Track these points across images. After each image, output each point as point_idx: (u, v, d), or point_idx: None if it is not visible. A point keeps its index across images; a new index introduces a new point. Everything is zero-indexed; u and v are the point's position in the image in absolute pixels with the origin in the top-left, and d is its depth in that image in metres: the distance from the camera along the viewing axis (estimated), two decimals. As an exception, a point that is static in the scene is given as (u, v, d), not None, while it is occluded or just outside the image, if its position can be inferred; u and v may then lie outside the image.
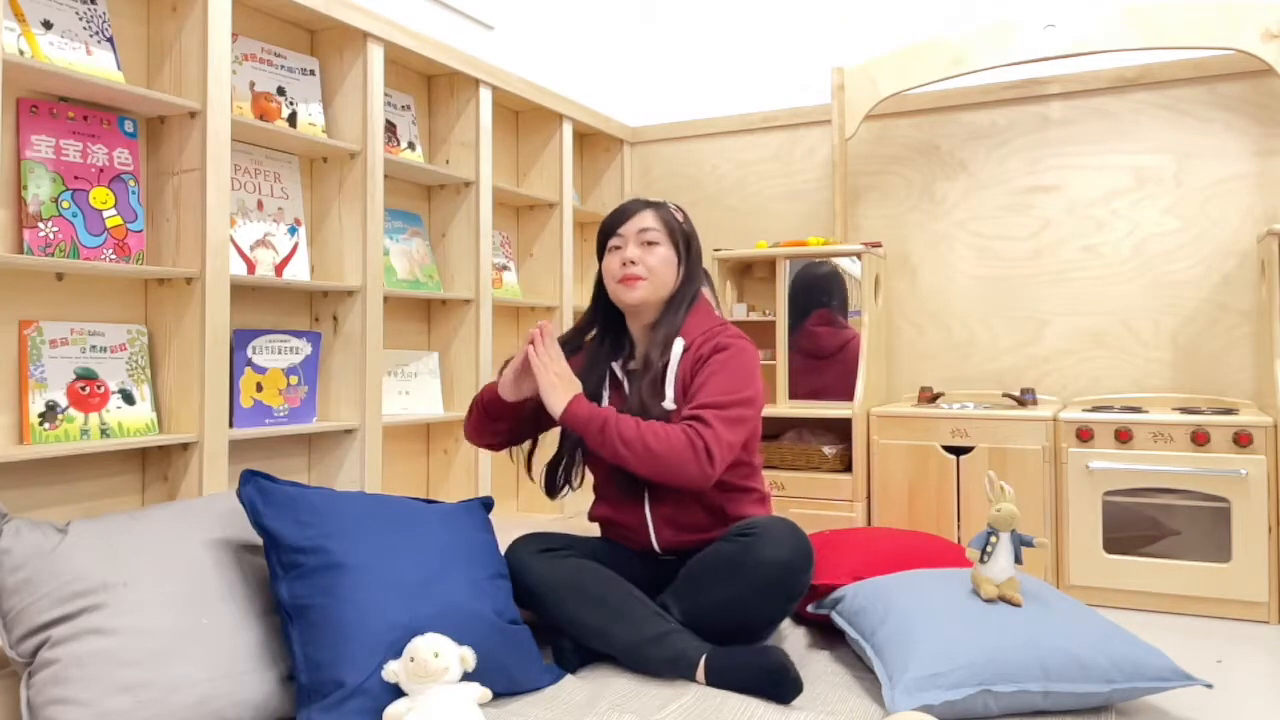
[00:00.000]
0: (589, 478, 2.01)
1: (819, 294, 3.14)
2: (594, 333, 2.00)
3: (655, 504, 1.86)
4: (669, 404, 1.83)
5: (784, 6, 3.57)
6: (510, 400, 1.87)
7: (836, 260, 3.11)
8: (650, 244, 1.89)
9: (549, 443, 2.03)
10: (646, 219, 1.91)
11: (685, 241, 1.94)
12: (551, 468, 1.99)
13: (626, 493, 1.87)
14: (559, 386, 1.77)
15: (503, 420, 1.93)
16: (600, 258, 1.96)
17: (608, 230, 1.94)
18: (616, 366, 1.95)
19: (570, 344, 1.99)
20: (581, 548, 1.86)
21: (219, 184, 2.04)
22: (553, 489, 1.99)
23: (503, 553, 1.82)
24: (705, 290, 2.00)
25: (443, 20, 2.92)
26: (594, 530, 2.02)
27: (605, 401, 1.91)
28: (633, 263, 1.87)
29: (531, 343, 1.79)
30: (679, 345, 1.87)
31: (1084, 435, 2.67)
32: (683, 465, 1.70)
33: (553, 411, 1.77)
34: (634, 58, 3.85)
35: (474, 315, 2.84)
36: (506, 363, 1.90)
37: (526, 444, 2.03)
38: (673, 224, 1.93)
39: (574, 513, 3.16)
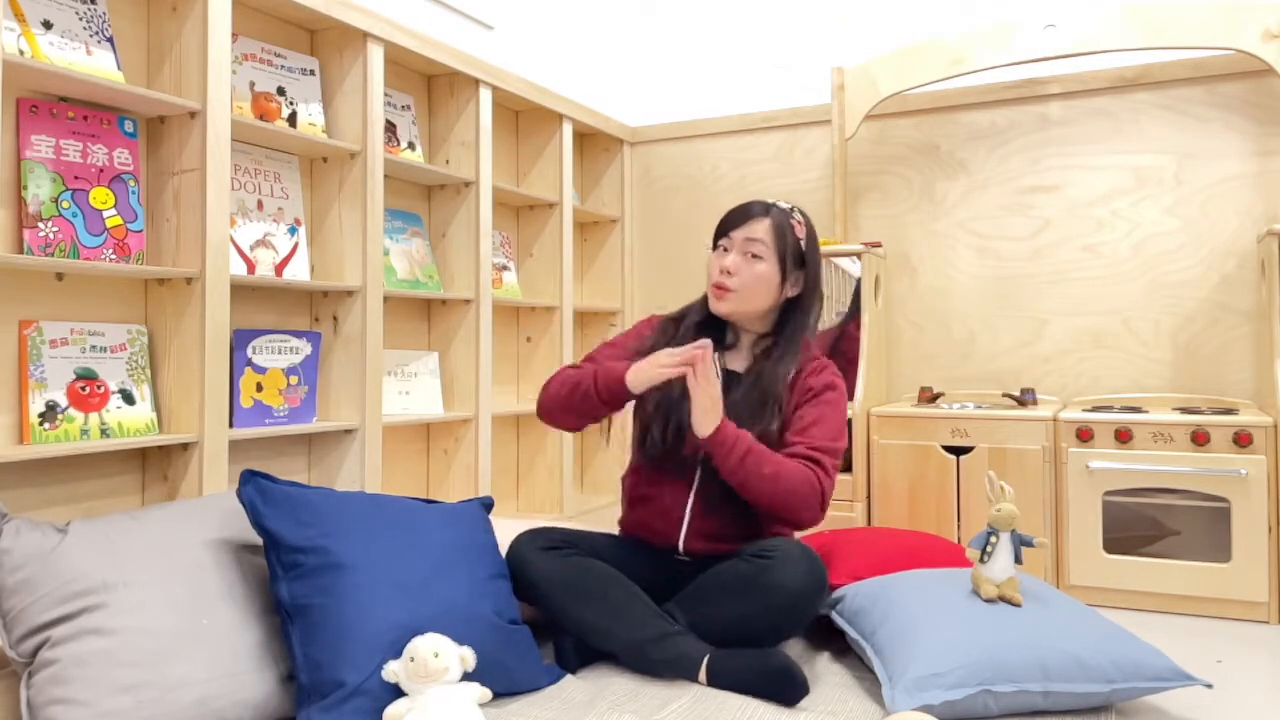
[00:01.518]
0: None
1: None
2: (698, 319, 1.97)
3: (699, 506, 1.86)
4: (773, 425, 1.82)
5: (784, 6, 3.57)
6: (639, 393, 1.79)
7: (836, 260, 3.11)
8: (753, 257, 1.86)
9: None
10: (758, 228, 1.87)
11: (798, 258, 1.89)
12: (644, 428, 1.91)
13: (675, 479, 1.87)
14: (712, 410, 1.73)
15: (604, 407, 1.82)
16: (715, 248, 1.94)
17: (722, 228, 1.91)
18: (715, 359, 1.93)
19: (673, 320, 1.98)
20: (584, 545, 1.85)
21: (219, 184, 2.04)
22: (644, 446, 1.91)
23: (505, 550, 1.82)
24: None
25: (443, 20, 2.92)
26: (598, 526, 2.01)
27: None
28: (728, 272, 1.86)
29: (693, 364, 1.72)
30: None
31: (1084, 435, 2.66)
32: (806, 506, 1.74)
33: (700, 432, 1.73)
34: (634, 58, 3.85)
35: (474, 315, 2.84)
36: (598, 350, 1.88)
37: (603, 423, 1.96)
38: (786, 237, 1.87)
39: (574, 513, 3.16)
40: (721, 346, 1.95)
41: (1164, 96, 3.00)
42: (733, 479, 1.74)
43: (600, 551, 1.85)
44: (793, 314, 1.92)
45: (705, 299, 1.98)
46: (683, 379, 1.74)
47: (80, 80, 1.82)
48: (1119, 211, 3.05)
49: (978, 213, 3.24)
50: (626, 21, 3.85)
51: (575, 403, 1.83)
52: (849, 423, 2.97)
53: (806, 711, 1.53)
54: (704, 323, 1.96)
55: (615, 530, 2.02)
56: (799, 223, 1.91)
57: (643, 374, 1.76)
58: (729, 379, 1.90)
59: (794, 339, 1.90)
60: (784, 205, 1.92)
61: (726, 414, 1.78)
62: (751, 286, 1.86)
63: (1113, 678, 1.54)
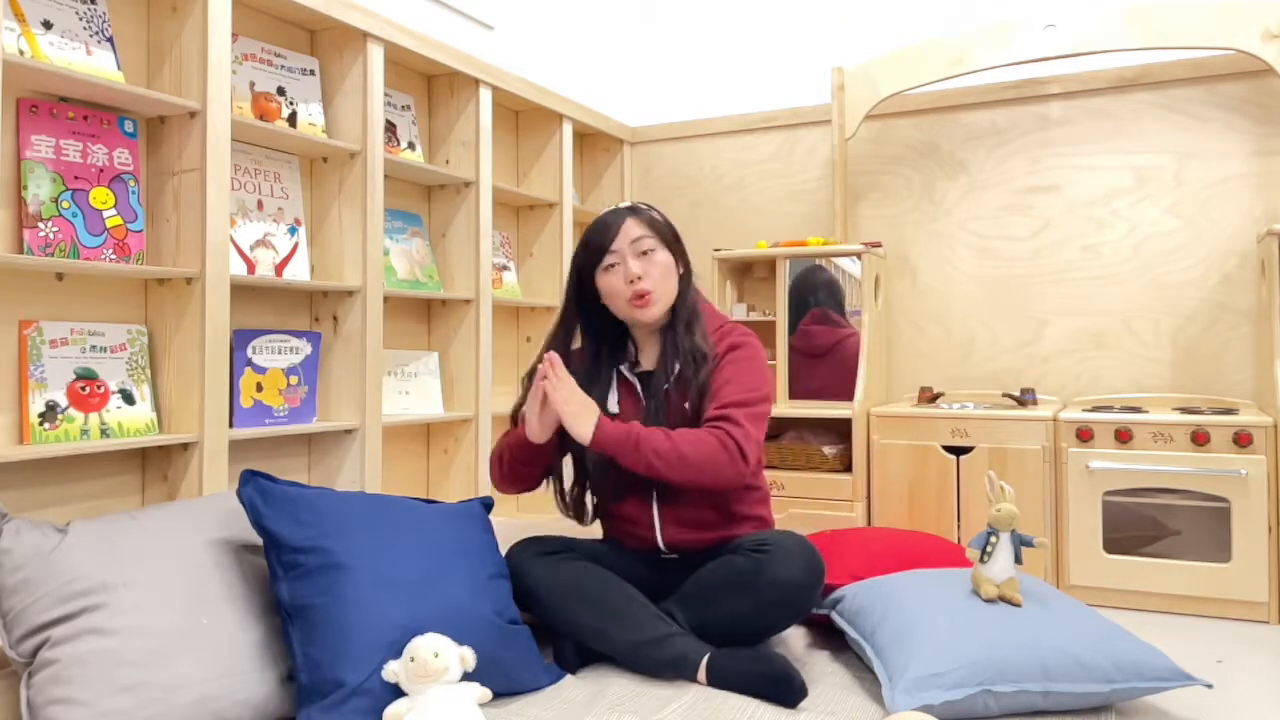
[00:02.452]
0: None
1: (816, 293, 3.14)
2: (580, 344, 1.97)
3: (663, 501, 1.86)
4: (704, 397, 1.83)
5: (784, 6, 3.57)
6: (541, 442, 1.82)
7: (835, 260, 3.11)
8: (646, 252, 1.86)
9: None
10: (634, 228, 1.86)
11: (674, 238, 1.93)
12: (575, 494, 1.96)
13: (633, 488, 1.87)
14: (582, 414, 1.74)
15: (536, 462, 1.89)
16: (584, 276, 1.90)
17: (597, 249, 1.87)
18: (624, 370, 1.93)
19: (581, 361, 1.95)
20: (582, 550, 1.86)
21: (219, 184, 2.04)
22: (581, 514, 1.97)
23: (503, 555, 1.82)
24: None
25: (443, 20, 2.92)
26: (594, 533, 2.02)
27: (614, 407, 1.89)
28: (640, 278, 1.84)
29: (544, 377, 1.75)
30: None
31: (1084, 435, 2.66)
32: (719, 468, 1.72)
33: (582, 440, 1.74)
34: (634, 58, 3.85)
35: (474, 315, 2.84)
36: (517, 409, 1.88)
37: (552, 480, 1.98)
38: (659, 225, 1.90)
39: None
40: (628, 358, 1.94)
41: (1164, 96, 3.00)
42: (638, 469, 1.73)
43: (595, 555, 1.86)
44: (684, 291, 1.91)
45: (569, 325, 1.94)
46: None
47: (80, 80, 1.82)
48: (1119, 211, 3.05)
49: (978, 213, 3.24)
50: (626, 21, 3.85)
51: (506, 470, 1.91)
52: (848, 422, 2.99)
53: (806, 712, 1.53)
54: (600, 338, 1.95)
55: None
56: (650, 207, 1.94)
57: (528, 420, 1.81)
58: (646, 379, 1.90)
59: (688, 308, 1.89)
60: (629, 203, 1.94)
61: (651, 411, 1.81)
62: (663, 279, 1.86)
63: (1113, 678, 1.54)
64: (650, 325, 1.91)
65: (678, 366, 1.85)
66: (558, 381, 1.74)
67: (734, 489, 1.79)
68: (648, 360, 1.94)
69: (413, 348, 2.85)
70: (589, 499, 1.96)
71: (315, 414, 2.39)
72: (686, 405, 1.83)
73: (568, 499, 1.96)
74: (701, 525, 1.85)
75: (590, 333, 1.96)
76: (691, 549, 1.85)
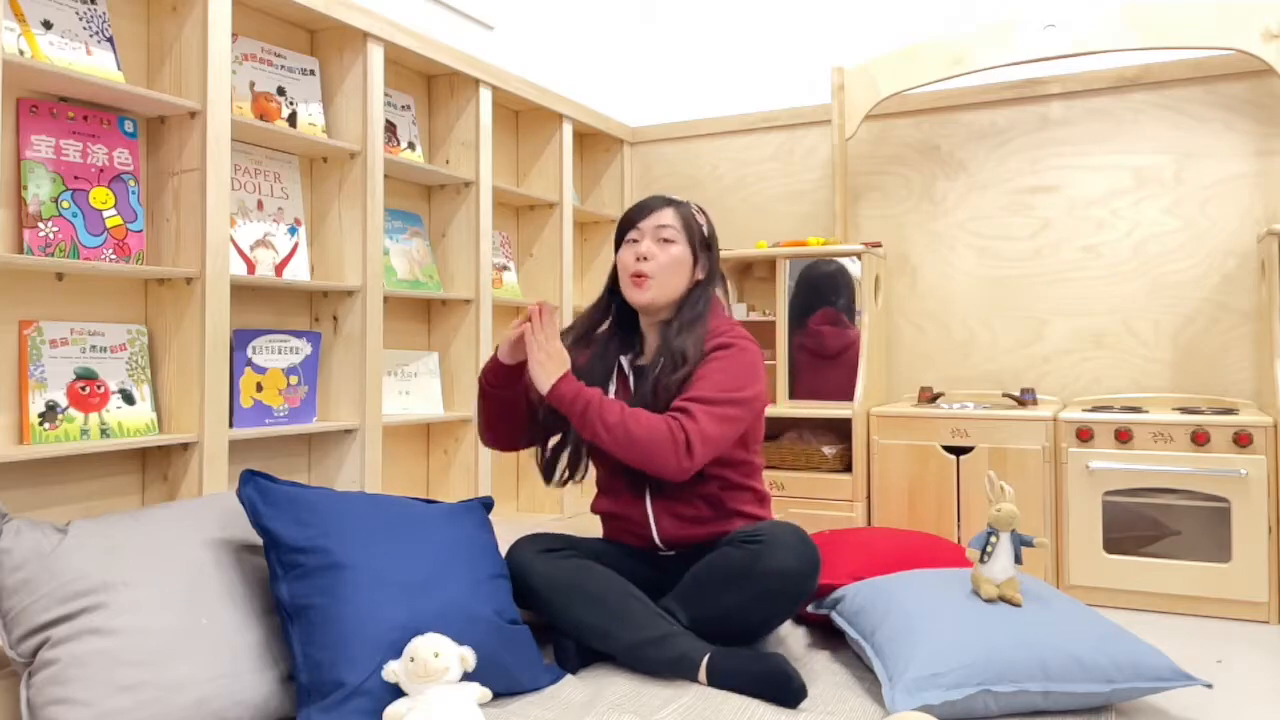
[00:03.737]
0: (592, 473, 2.01)
1: (824, 293, 3.13)
2: (606, 325, 2.00)
3: (656, 496, 1.86)
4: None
5: (784, 6, 3.57)
6: (508, 362, 1.84)
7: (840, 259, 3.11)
8: (666, 241, 1.88)
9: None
10: (665, 216, 1.90)
11: (704, 244, 1.93)
12: (553, 452, 1.98)
13: (629, 485, 1.87)
14: (548, 364, 1.76)
15: (506, 403, 1.89)
16: (617, 250, 1.95)
17: (627, 223, 1.93)
18: (625, 361, 1.94)
19: (580, 336, 1.98)
20: (583, 549, 1.86)
21: (219, 184, 2.04)
22: (550, 474, 1.98)
23: (504, 553, 1.82)
24: (718, 292, 1.99)
25: (443, 20, 2.92)
26: (595, 531, 2.02)
27: (612, 395, 1.90)
28: (644, 258, 1.87)
29: (529, 319, 1.77)
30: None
31: (1084, 435, 2.66)
32: (662, 455, 1.70)
33: (540, 387, 1.76)
34: (634, 58, 3.85)
35: (474, 315, 2.84)
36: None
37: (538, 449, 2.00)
38: (692, 225, 1.92)
39: (574, 513, 3.16)
40: (633, 350, 1.96)
41: (1164, 96, 3.00)
42: (584, 434, 1.75)
43: (596, 554, 1.86)
44: (696, 294, 1.92)
45: (604, 307, 1.99)
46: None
47: (80, 80, 1.82)
48: (1119, 211, 3.05)
49: (978, 213, 3.24)
50: (626, 21, 3.85)
51: (484, 410, 1.92)
52: (848, 422, 2.99)
53: (806, 712, 1.53)
54: (617, 327, 1.98)
55: None
56: (700, 211, 1.96)
57: (501, 345, 1.84)
58: (640, 373, 1.91)
59: (694, 319, 1.89)
60: (682, 199, 1.96)
61: (638, 404, 1.81)
62: (668, 269, 1.87)
63: (1113, 678, 1.54)
64: (648, 313, 1.93)
65: (662, 363, 1.86)
66: (539, 326, 1.76)
67: (676, 480, 1.76)
68: (648, 354, 1.95)
69: (413, 348, 2.85)
70: (561, 465, 1.97)
71: (315, 414, 2.39)
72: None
73: (544, 455, 1.99)
74: (696, 520, 1.85)
75: (615, 319, 1.99)
76: (688, 545, 1.86)
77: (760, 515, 1.92)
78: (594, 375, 1.89)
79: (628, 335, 1.98)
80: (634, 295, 1.89)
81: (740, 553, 1.71)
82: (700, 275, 1.93)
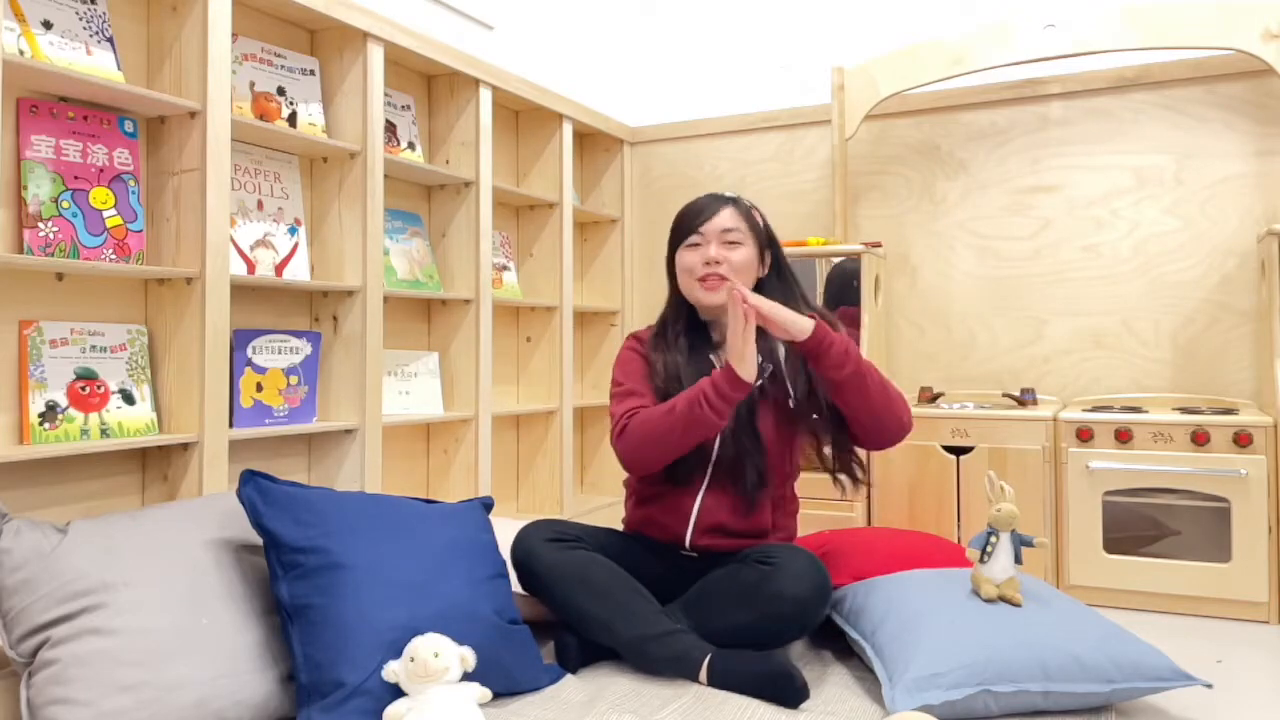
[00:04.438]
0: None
1: (849, 292, 3.10)
2: (684, 324, 1.97)
3: (710, 500, 1.85)
4: (792, 403, 1.87)
5: (784, 6, 3.57)
6: (754, 381, 1.73)
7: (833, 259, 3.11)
8: (733, 244, 1.88)
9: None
10: (727, 218, 1.89)
11: (768, 241, 1.94)
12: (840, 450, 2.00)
13: (683, 481, 1.87)
14: (793, 319, 1.72)
15: (727, 413, 1.74)
16: (672, 252, 1.94)
17: (687, 227, 1.90)
18: (714, 358, 1.93)
19: (656, 336, 1.98)
20: (591, 542, 1.85)
21: (219, 184, 2.04)
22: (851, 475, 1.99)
23: (509, 546, 1.82)
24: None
25: (443, 20, 2.92)
26: (605, 523, 2.02)
27: None
28: (716, 262, 1.85)
29: (745, 300, 1.68)
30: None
31: (1084, 435, 2.66)
32: (903, 403, 1.83)
33: (805, 333, 1.70)
34: (634, 58, 3.85)
35: (474, 315, 2.84)
36: (666, 390, 1.85)
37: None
38: (755, 224, 1.91)
39: (574, 513, 3.16)
40: (711, 348, 1.95)
41: (1164, 96, 3.00)
42: (839, 373, 1.73)
43: (605, 547, 1.86)
44: (772, 288, 1.92)
45: (677, 304, 1.98)
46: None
47: (80, 80, 1.82)
48: (1119, 211, 3.05)
49: (978, 213, 3.24)
50: (626, 22, 3.85)
51: (684, 433, 1.74)
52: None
53: (807, 712, 1.53)
54: (689, 328, 1.97)
55: (618, 528, 2.02)
56: (754, 207, 1.95)
57: (740, 355, 1.69)
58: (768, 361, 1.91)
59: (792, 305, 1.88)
60: (734, 194, 1.95)
61: (766, 403, 1.83)
62: (740, 273, 1.88)
63: (1113, 678, 1.54)
64: (714, 312, 1.92)
65: (769, 368, 1.87)
66: (750, 301, 1.69)
67: (898, 441, 1.86)
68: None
69: (413, 348, 2.85)
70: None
71: (315, 414, 2.39)
72: (791, 401, 1.85)
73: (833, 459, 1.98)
74: (733, 533, 1.85)
75: (687, 320, 1.97)
76: (713, 552, 1.85)
77: (792, 527, 1.96)
78: (689, 376, 1.85)
79: (695, 334, 1.96)
80: (708, 297, 1.88)
81: (752, 572, 1.71)
82: (763, 272, 1.94)
